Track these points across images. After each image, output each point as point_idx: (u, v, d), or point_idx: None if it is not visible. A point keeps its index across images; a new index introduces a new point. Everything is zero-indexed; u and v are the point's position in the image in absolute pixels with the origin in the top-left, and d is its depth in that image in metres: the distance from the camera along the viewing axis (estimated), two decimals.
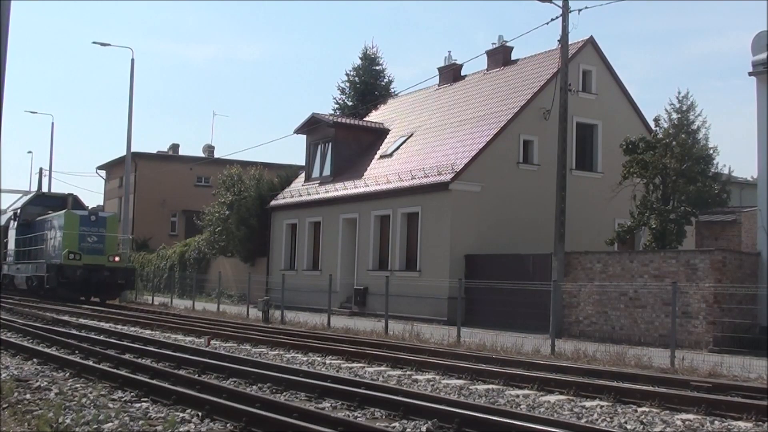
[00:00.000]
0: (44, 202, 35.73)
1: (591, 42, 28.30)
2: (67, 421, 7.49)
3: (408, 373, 11.93)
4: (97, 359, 12.05)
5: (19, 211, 35.93)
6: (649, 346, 17.76)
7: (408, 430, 7.75)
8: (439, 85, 34.38)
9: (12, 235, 35.76)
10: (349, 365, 12.66)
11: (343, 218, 30.34)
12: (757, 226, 20.21)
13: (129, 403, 8.64)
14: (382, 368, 12.41)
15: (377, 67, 47.34)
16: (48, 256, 31.03)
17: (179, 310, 28.52)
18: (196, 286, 33.75)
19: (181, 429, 7.45)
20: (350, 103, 45.91)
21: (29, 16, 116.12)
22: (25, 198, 37.01)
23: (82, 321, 19.96)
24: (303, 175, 35.19)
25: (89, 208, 34.46)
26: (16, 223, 35.62)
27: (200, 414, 8.01)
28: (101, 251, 30.34)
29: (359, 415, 8.37)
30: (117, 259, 30.60)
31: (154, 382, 9.60)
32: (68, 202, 33.60)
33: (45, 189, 58.09)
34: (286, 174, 38.01)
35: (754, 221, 21.43)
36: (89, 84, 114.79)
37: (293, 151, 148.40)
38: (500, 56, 31.66)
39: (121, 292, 32.27)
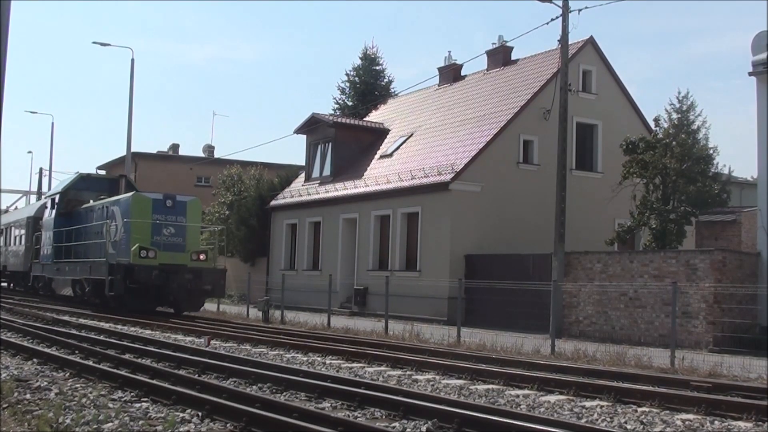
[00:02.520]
0: (91, 185, 28.94)
1: (591, 42, 28.31)
2: (67, 421, 7.49)
3: (408, 373, 11.93)
4: (97, 359, 12.04)
5: (57, 197, 28.49)
6: (649, 346, 17.75)
7: (408, 430, 7.75)
8: (439, 85, 34.38)
9: (48, 227, 28.76)
10: (349, 365, 12.65)
11: (343, 218, 30.34)
12: (757, 226, 20.20)
13: (129, 403, 8.63)
14: (382, 368, 12.40)
15: (377, 67, 47.36)
16: (107, 254, 23.45)
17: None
18: None
19: (181, 429, 7.45)
20: (350, 103, 45.92)
21: (29, 16, 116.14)
22: (65, 181, 29.82)
23: (82, 321, 19.96)
24: (303, 175, 35.19)
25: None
26: (53, 212, 28.38)
27: (200, 414, 8.01)
28: (181, 247, 23.12)
29: (359, 415, 8.37)
30: (202, 257, 23.61)
31: (154, 382, 9.60)
32: (120, 185, 27.67)
33: (45, 189, 57.88)
34: (286, 174, 38.01)
35: (754, 221, 21.43)
36: (89, 84, 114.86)
37: (293, 151, 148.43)
38: (500, 56, 31.66)
39: (204, 301, 24.94)
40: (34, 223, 32.26)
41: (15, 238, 36.38)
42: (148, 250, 22.23)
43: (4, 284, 39.86)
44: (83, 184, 28.98)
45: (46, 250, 28.65)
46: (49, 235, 28.35)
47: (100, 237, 24.36)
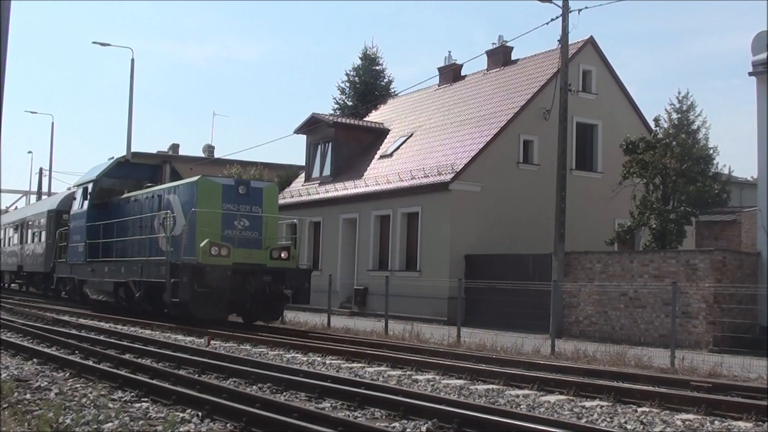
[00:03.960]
0: (129, 172, 25.00)
1: (591, 42, 28.31)
2: (67, 421, 7.49)
3: (408, 373, 11.93)
4: (97, 359, 12.04)
5: (90, 186, 24.52)
6: (649, 346, 17.75)
7: (408, 430, 7.74)
8: (439, 85, 34.38)
9: (78, 221, 24.99)
10: (349, 365, 12.65)
11: (343, 218, 30.34)
12: (757, 226, 20.20)
13: (129, 403, 8.63)
14: (382, 368, 12.40)
15: (377, 67, 47.37)
16: (163, 252, 19.75)
17: None
18: None
19: (181, 429, 7.45)
20: (350, 103, 45.93)
21: (29, 16, 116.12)
22: (98, 167, 25.70)
23: (82, 321, 19.96)
24: (303, 175, 35.19)
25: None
26: (86, 203, 24.59)
27: (200, 414, 8.01)
28: (257, 242, 19.07)
29: (359, 415, 8.37)
30: (284, 254, 19.23)
31: (154, 382, 9.60)
32: (163, 171, 24.05)
33: (45, 189, 57.63)
34: (286, 174, 38.01)
35: (754, 221, 21.43)
36: (89, 84, 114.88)
37: (293, 151, 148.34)
38: (500, 56, 31.66)
39: (284, 308, 20.69)
40: (56, 218, 29.19)
41: (33, 234, 33.12)
42: (221, 247, 18.14)
43: (14, 286, 37.74)
44: (120, 170, 24.85)
45: (77, 248, 24.84)
46: (81, 230, 24.57)
47: (150, 231, 20.91)
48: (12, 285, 38.40)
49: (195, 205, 18.67)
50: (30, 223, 34.09)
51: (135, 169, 25.34)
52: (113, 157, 26.00)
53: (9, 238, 38.29)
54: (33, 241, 32.89)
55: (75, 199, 25.93)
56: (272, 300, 19.21)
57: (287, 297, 19.29)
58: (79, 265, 24.84)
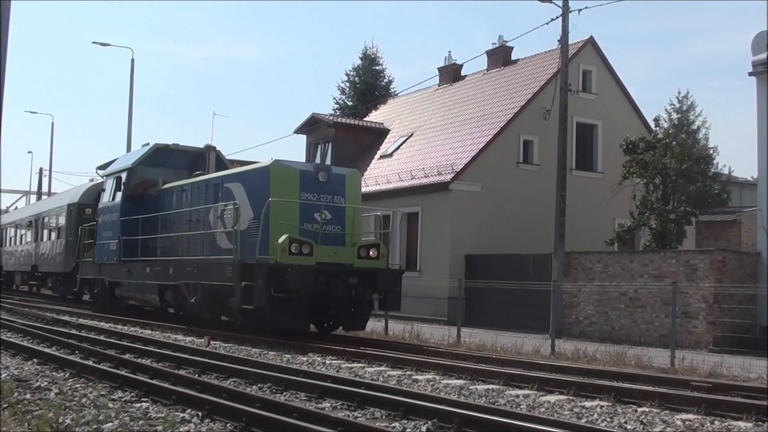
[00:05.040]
0: (168, 159, 22.05)
1: (591, 42, 28.32)
2: (67, 421, 7.49)
3: (408, 373, 11.92)
4: (97, 359, 12.04)
5: (125, 175, 21.68)
6: (649, 346, 17.75)
7: (408, 430, 7.74)
8: (439, 85, 34.39)
9: (109, 215, 22.17)
10: (349, 365, 12.65)
11: None
12: (757, 226, 20.21)
13: (129, 403, 8.63)
14: (382, 368, 12.40)
15: (377, 67, 47.41)
16: (220, 250, 17.21)
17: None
18: None
19: (181, 429, 7.45)
20: (350, 103, 45.95)
21: (29, 16, 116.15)
22: (134, 154, 23.26)
23: (82, 321, 19.95)
24: None
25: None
26: (119, 195, 21.66)
27: (200, 414, 8.01)
28: (341, 239, 16.37)
29: (359, 415, 8.37)
30: (373, 252, 16.55)
31: (154, 382, 9.59)
32: (207, 159, 21.25)
33: (45, 189, 57.46)
34: None
35: (754, 221, 21.43)
36: (89, 84, 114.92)
37: (293, 151, 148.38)
38: (500, 56, 31.67)
39: (369, 315, 17.26)
40: (78, 213, 26.63)
41: (49, 231, 30.18)
42: (302, 244, 15.44)
43: (24, 288, 35.45)
44: (157, 158, 21.94)
45: (107, 246, 22.09)
46: (113, 226, 21.77)
47: (203, 226, 18.07)
48: (21, 286, 35.97)
49: (268, 195, 15.71)
50: (46, 219, 31.06)
51: (173, 157, 22.17)
52: (148, 143, 22.62)
53: (21, 236, 35.40)
54: (50, 238, 29.97)
55: (104, 190, 23.16)
56: (359, 306, 16.46)
57: (370, 302, 16.41)
58: (110, 266, 22.01)
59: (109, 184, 22.72)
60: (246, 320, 16.57)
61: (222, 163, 21.68)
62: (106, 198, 22.84)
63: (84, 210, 26.55)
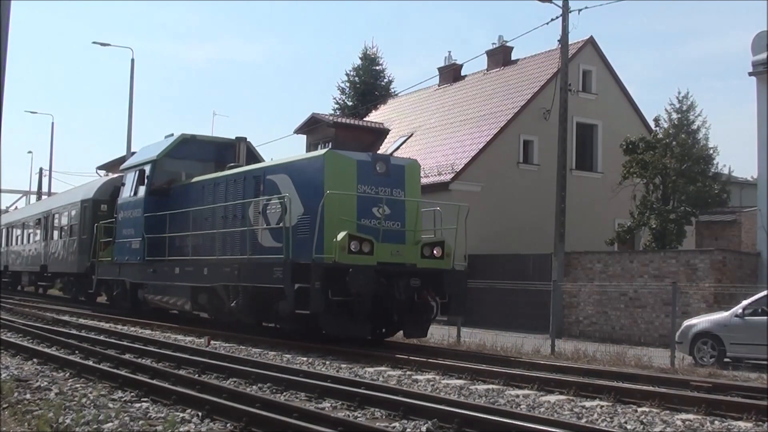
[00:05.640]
0: (194, 151, 20.39)
1: (591, 42, 28.34)
2: (67, 421, 7.49)
3: (408, 373, 11.92)
4: (97, 359, 12.04)
5: (149, 168, 20.13)
6: (649, 346, 17.76)
7: (408, 430, 7.74)
8: (439, 85, 34.39)
9: (131, 211, 20.70)
10: (349, 365, 12.65)
11: None
12: (757, 226, 20.23)
13: (129, 403, 8.63)
14: (382, 368, 12.40)
15: (377, 67, 47.42)
16: (262, 248, 15.74)
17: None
18: None
19: (181, 429, 7.45)
20: (350, 103, 45.95)
21: (29, 16, 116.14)
22: (158, 145, 21.10)
23: (82, 321, 19.94)
24: None
25: None
26: (142, 189, 20.19)
27: (200, 414, 8.01)
28: (401, 236, 14.92)
29: (359, 415, 8.37)
30: (437, 251, 15.02)
31: (154, 382, 9.60)
32: (237, 151, 19.88)
33: (45, 189, 57.38)
34: None
35: (754, 221, 21.45)
36: (89, 84, 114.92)
37: (293, 151, 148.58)
38: (500, 56, 31.68)
39: (431, 320, 15.40)
40: (93, 209, 25.04)
41: (60, 230, 28.57)
42: (362, 241, 13.98)
43: (29, 288, 33.96)
44: (183, 149, 20.33)
45: (129, 245, 20.57)
46: (135, 222, 20.28)
47: (242, 222, 16.50)
48: (28, 287, 34.35)
49: (323, 187, 14.23)
50: (56, 216, 29.22)
51: (200, 149, 20.49)
52: (172, 134, 21.04)
53: (29, 235, 33.59)
54: (61, 237, 28.18)
55: (123, 185, 21.59)
56: (421, 310, 14.76)
57: (432, 306, 14.63)
58: (133, 266, 20.46)
59: (130, 178, 21.08)
60: (297, 326, 15.19)
61: (253, 155, 20.12)
62: (126, 193, 21.20)
63: (99, 206, 25.01)
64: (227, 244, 17.13)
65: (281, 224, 14.87)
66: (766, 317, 14.50)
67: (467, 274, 15.92)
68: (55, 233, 29.13)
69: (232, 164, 18.93)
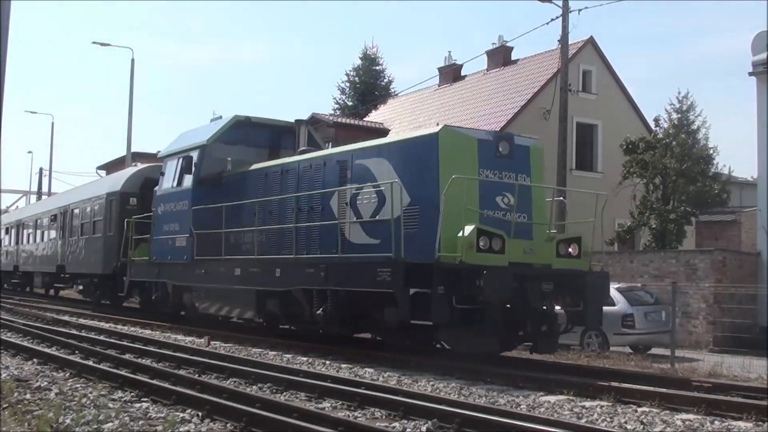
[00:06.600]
0: (248, 136, 18.07)
1: (591, 42, 28.36)
2: (67, 421, 7.49)
3: (408, 373, 11.92)
4: (98, 359, 12.04)
5: (196, 154, 17.59)
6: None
7: (408, 430, 7.74)
8: (439, 85, 34.40)
9: (174, 205, 18.24)
10: (349, 365, 12.64)
11: None
12: (757, 226, 20.22)
13: (129, 403, 8.63)
14: (382, 368, 12.39)
15: (377, 67, 47.47)
16: (352, 245, 13.31)
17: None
18: None
19: (181, 429, 7.45)
20: (350, 103, 45.97)
21: (29, 16, 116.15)
22: (206, 130, 18.53)
23: (82, 321, 19.92)
24: None
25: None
26: (188, 178, 17.74)
27: (200, 414, 8.01)
28: (527, 231, 12.53)
29: (359, 415, 8.37)
30: (573, 250, 12.65)
31: (154, 382, 9.60)
32: (296, 135, 17.33)
33: (45, 189, 57.30)
34: None
35: (754, 221, 21.45)
36: (89, 84, 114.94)
37: None
38: (500, 56, 31.69)
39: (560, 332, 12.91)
40: (121, 203, 22.70)
41: (80, 226, 26.09)
42: (492, 237, 11.64)
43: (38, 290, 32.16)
44: (237, 134, 18.00)
45: (172, 242, 18.19)
46: (180, 217, 17.88)
47: (323, 215, 14.09)
48: (38, 289, 32.62)
49: (437, 171, 11.96)
50: (76, 211, 26.72)
51: (254, 133, 18.19)
52: (220, 116, 18.88)
53: (43, 232, 31.26)
54: (82, 234, 25.77)
55: (163, 174, 19.12)
56: (551, 321, 12.54)
57: (556, 315, 12.58)
58: (176, 266, 18.02)
59: (171, 167, 18.61)
60: (409, 340, 13.09)
61: (314, 141, 18.05)
62: (167, 183, 18.69)
63: (128, 199, 22.65)
64: (299, 241, 14.49)
65: (378, 217, 12.63)
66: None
67: (608, 276, 13.46)
68: (75, 230, 26.61)
69: (303, 148, 16.44)
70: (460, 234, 11.48)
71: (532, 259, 12.18)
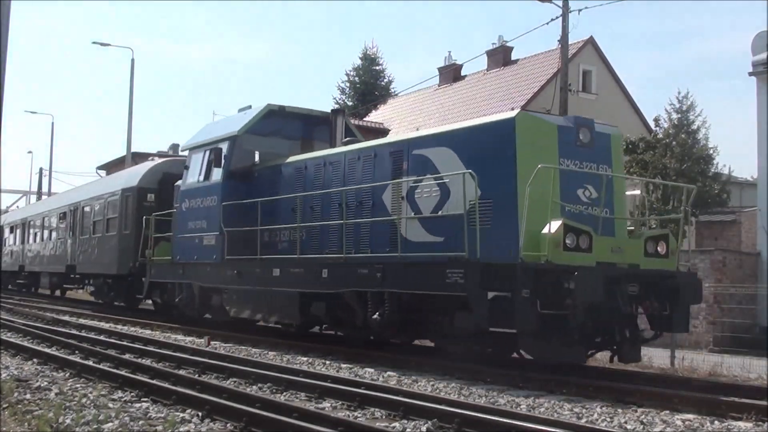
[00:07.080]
0: (280, 126, 16.91)
1: (591, 42, 28.37)
2: (67, 421, 7.49)
3: (408, 373, 11.92)
4: (97, 359, 12.04)
5: (226, 147, 16.40)
6: (649, 346, 17.72)
7: (408, 430, 7.74)
8: (439, 85, 34.41)
9: (201, 200, 17.01)
10: (349, 365, 12.64)
11: None
12: (757, 226, 20.22)
13: (129, 403, 8.63)
14: (382, 368, 12.39)
15: (377, 67, 47.50)
16: (409, 243, 12.15)
17: None
18: None
19: (181, 429, 7.45)
20: (350, 103, 45.99)
21: (29, 16, 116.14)
22: (235, 120, 17.28)
23: (82, 321, 19.92)
24: None
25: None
26: (217, 171, 16.49)
27: (200, 414, 8.01)
28: (611, 228, 11.54)
29: (359, 415, 8.37)
30: (661, 248, 11.55)
31: (154, 382, 9.60)
32: (333, 127, 16.09)
33: (45, 189, 57.27)
34: None
35: (754, 221, 21.45)
36: (89, 84, 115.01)
37: None
38: (500, 56, 31.71)
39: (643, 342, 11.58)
40: (137, 199, 21.62)
41: (92, 224, 24.93)
42: (579, 235, 10.56)
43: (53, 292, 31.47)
44: (269, 124, 16.81)
45: (198, 241, 16.95)
46: (208, 213, 16.62)
47: (374, 210, 12.98)
48: (45, 290, 31.82)
49: (513, 160, 10.86)
50: (87, 208, 25.57)
51: (287, 123, 17.01)
52: (250, 106, 17.68)
53: (51, 231, 30.14)
54: (94, 232, 24.60)
55: (187, 168, 17.84)
56: (637, 326, 11.41)
57: (635, 319, 11.38)
58: (204, 266, 16.79)
59: (197, 160, 17.39)
60: (481, 348, 12.03)
61: (351, 132, 16.70)
62: (193, 177, 17.45)
63: (145, 195, 21.56)
64: (347, 239, 13.27)
65: (442, 212, 11.64)
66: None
67: (700, 282, 12.08)
68: (86, 229, 25.42)
69: (348, 138, 15.54)
70: (545, 231, 10.40)
71: (618, 258, 11.05)
